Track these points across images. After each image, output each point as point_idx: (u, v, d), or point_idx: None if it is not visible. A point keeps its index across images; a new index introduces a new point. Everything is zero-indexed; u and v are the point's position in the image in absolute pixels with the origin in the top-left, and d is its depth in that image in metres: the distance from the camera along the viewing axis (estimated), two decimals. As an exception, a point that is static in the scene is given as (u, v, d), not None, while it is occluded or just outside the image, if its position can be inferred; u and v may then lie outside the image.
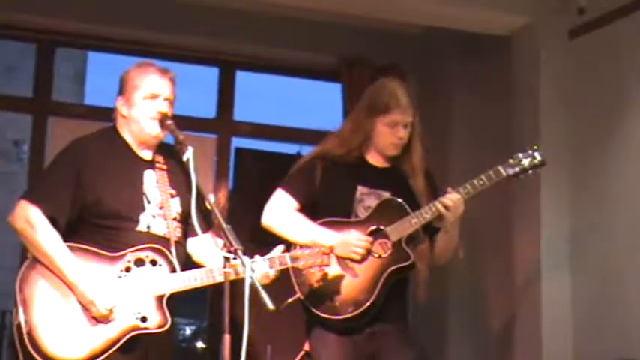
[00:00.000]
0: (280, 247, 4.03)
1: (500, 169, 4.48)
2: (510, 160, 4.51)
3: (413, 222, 4.40)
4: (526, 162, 4.52)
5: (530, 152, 4.54)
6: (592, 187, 5.83)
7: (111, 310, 3.74)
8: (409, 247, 4.41)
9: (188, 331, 12.67)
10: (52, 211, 3.82)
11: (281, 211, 4.48)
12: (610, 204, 5.67)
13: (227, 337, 3.39)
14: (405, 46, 7.26)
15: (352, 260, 4.35)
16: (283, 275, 4.11)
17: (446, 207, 4.38)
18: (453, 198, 4.38)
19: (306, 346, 4.50)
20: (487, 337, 6.58)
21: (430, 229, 4.54)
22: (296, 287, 4.36)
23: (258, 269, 3.82)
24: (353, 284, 4.35)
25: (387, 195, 4.50)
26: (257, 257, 3.90)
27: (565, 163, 5.91)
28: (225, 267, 3.56)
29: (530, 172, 4.55)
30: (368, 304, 4.32)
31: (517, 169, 4.51)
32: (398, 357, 4.46)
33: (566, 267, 5.88)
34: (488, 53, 6.76)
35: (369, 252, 4.36)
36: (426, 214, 4.40)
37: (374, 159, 4.59)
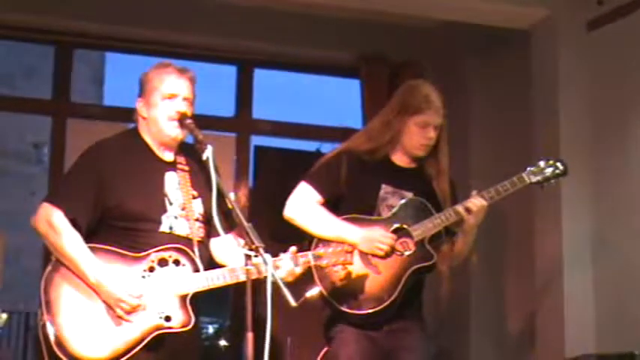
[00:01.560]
0: (293, 249, 4.01)
1: (524, 176, 4.52)
2: (533, 168, 4.56)
3: (436, 222, 4.42)
4: (549, 171, 4.57)
5: (552, 161, 4.58)
6: (613, 183, 5.80)
7: (140, 299, 3.75)
8: (431, 247, 4.42)
9: (211, 329, 12.68)
10: (73, 213, 3.83)
11: (304, 204, 4.49)
12: (631, 200, 5.64)
13: (250, 336, 3.39)
14: (422, 42, 7.25)
15: (375, 257, 4.36)
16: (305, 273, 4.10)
17: (469, 210, 4.39)
18: (476, 203, 4.40)
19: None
20: (509, 334, 6.57)
21: (449, 232, 4.54)
22: (318, 282, 4.36)
23: (283, 267, 3.84)
24: (375, 281, 4.35)
25: (410, 195, 4.51)
26: (282, 255, 3.91)
27: (586, 158, 5.88)
28: (247, 265, 3.56)
29: (552, 181, 4.59)
30: (389, 301, 4.34)
31: (540, 178, 4.56)
32: (415, 354, 4.47)
33: (588, 264, 5.86)
34: (506, 47, 6.74)
35: (392, 249, 4.36)
36: (449, 215, 4.42)
37: (399, 159, 4.60)
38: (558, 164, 4.58)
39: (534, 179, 4.53)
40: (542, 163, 4.57)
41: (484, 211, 4.42)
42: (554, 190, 5.77)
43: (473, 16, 6.39)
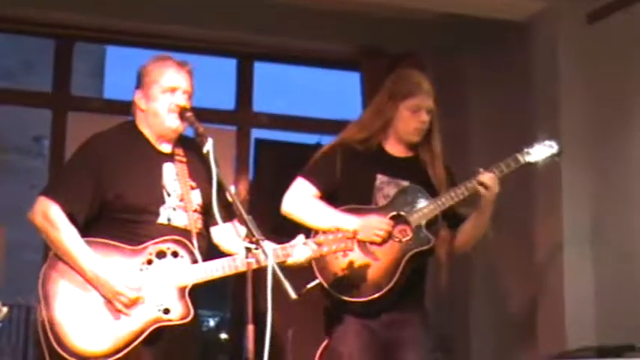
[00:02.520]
0: (301, 237, 4.03)
1: (519, 157, 4.49)
2: (528, 149, 4.52)
3: (440, 202, 4.41)
4: (544, 151, 4.53)
5: (547, 142, 4.55)
6: (613, 171, 5.80)
7: (138, 293, 3.75)
8: (430, 232, 4.42)
9: (211, 322, 12.69)
10: (70, 207, 3.83)
11: (301, 198, 4.49)
12: (631, 187, 5.65)
13: (250, 328, 3.40)
14: (422, 34, 7.25)
15: (373, 243, 4.36)
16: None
17: (484, 185, 4.37)
18: (489, 176, 4.38)
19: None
20: (509, 321, 6.57)
21: (450, 218, 4.53)
22: (317, 273, 4.37)
23: (297, 254, 3.88)
24: (374, 268, 4.36)
25: (405, 184, 4.51)
26: (299, 238, 3.94)
27: (586, 147, 5.89)
28: (247, 257, 3.57)
29: (547, 160, 4.56)
30: (389, 287, 4.34)
31: (535, 158, 4.51)
32: (414, 346, 4.46)
33: (588, 250, 5.87)
34: (505, 39, 6.73)
35: (390, 235, 4.37)
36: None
37: (393, 148, 4.60)
38: (553, 144, 4.54)
39: (529, 159, 4.50)
40: (537, 144, 4.54)
41: (497, 184, 4.39)
42: (554, 179, 5.81)
43: (471, 8, 6.38)
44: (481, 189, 4.38)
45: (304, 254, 3.96)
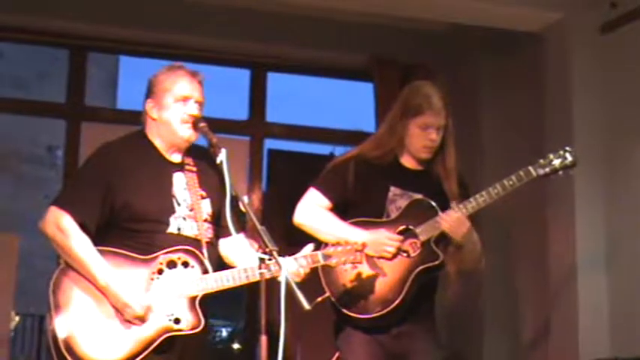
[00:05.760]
0: (310, 246, 4.02)
1: (531, 169, 4.43)
2: (541, 161, 4.45)
3: (436, 225, 4.38)
4: (557, 162, 4.45)
5: (561, 152, 4.48)
6: (627, 188, 5.77)
7: (147, 310, 3.75)
8: (439, 248, 4.39)
9: (224, 332, 12.71)
10: (81, 216, 3.82)
11: (312, 210, 4.48)
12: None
13: (264, 339, 3.39)
14: (434, 44, 7.25)
15: (383, 259, 4.35)
16: (311, 274, 4.08)
17: (445, 227, 4.35)
18: (447, 218, 4.36)
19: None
20: (523, 340, 6.54)
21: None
22: (325, 287, 4.36)
23: (289, 268, 3.82)
24: (382, 283, 4.34)
25: (418, 197, 4.48)
26: (287, 257, 3.89)
27: (599, 163, 5.86)
28: (260, 268, 3.56)
29: (561, 172, 4.48)
30: (396, 303, 4.32)
31: (548, 170, 4.44)
32: (424, 356, 4.44)
33: (602, 269, 5.83)
34: (517, 50, 6.73)
35: (399, 250, 4.35)
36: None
37: (408, 162, 4.57)
38: (567, 155, 4.45)
39: (542, 172, 4.41)
40: (551, 155, 4.46)
41: (463, 223, 4.35)
42: (567, 195, 5.78)
43: (485, 19, 6.38)
44: (444, 229, 4.34)
45: (292, 269, 3.86)
